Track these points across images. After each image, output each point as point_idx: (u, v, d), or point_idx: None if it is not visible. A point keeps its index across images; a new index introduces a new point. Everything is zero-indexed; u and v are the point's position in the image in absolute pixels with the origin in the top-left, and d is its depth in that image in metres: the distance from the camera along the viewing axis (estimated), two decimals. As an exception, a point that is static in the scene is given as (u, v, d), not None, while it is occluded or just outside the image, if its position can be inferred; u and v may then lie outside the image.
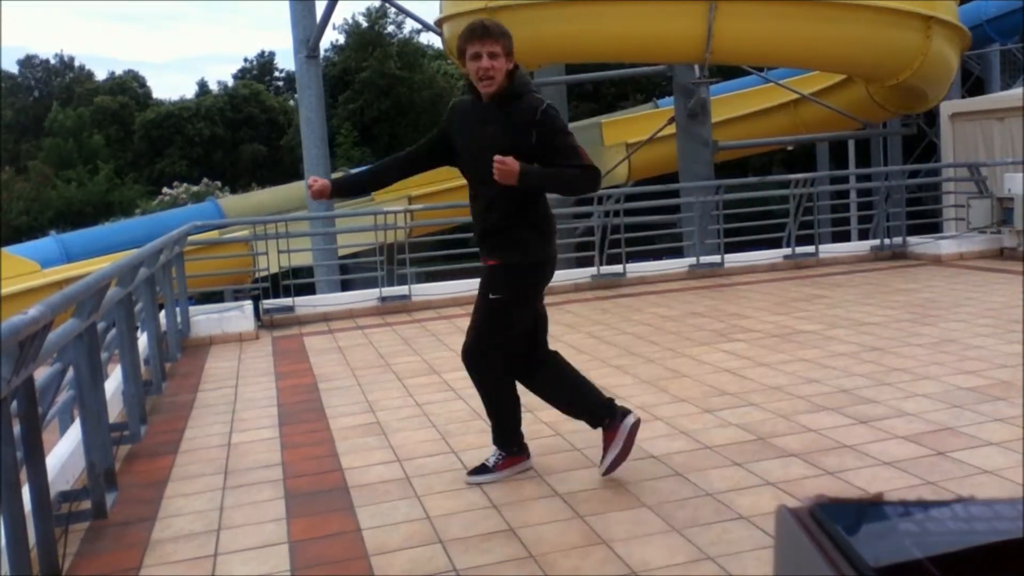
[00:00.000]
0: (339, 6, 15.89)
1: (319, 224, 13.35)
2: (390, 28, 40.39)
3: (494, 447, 4.12)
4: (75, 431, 4.30)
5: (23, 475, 3.00)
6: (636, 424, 3.93)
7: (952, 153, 13.99)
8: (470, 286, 9.58)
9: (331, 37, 42.54)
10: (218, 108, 41.97)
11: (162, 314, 7.12)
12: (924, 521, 0.88)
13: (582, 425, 4.72)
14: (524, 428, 4.23)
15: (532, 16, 13.14)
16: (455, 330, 7.91)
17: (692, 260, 10.34)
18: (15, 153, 42.03)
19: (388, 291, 9.33)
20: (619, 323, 7.71)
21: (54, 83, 49.51)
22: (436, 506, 3.73)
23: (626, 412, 3.95)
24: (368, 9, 40.73)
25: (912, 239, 10.89)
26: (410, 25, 40.11)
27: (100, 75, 50.45)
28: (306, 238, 13.17)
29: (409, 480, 4.08)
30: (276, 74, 49.97)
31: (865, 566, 0.76)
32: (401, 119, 38.13)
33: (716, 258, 10.31)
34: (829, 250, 10.86)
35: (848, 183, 15.21)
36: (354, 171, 3.94)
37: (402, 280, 9.63)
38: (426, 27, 17.99)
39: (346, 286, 14.60)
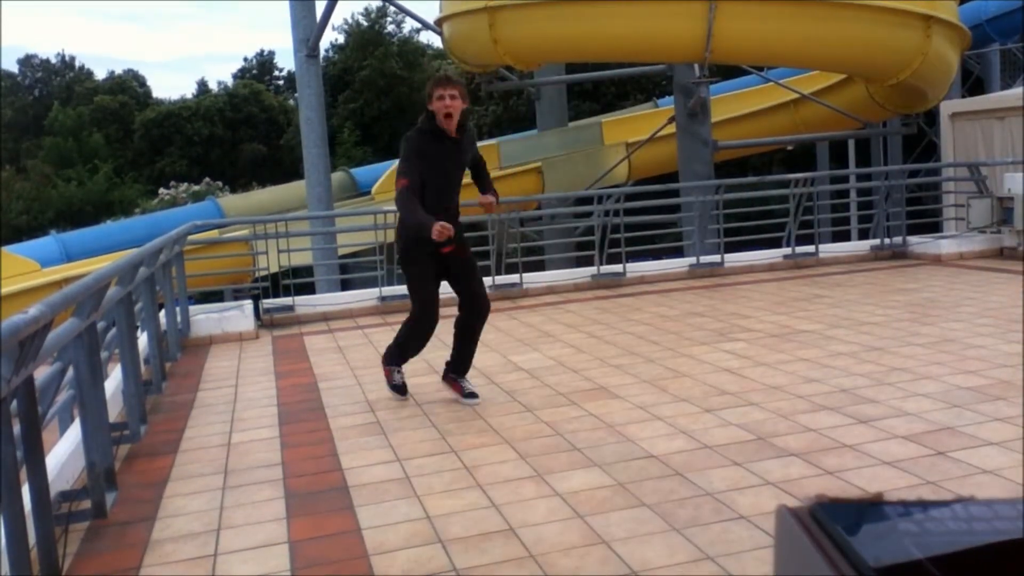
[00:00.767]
0: (339, 6, 15.90)
1: (319, 224, 13.34)
2: (390, 27, 40.42)
3: (467, 379, 5.51)
4: (75, 431, 4.30)
5: (23, 475, 3.00)
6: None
7: (952, 153, 13.99)
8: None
9: (331, 37, 42.56)
10: (218, 108, 41.96)
11: (162, 314, 7.12)
12: (924, 521, 0.88)
13: (582, 425, 4.74)
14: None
15: (532, 16, 13.15)
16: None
17: (692, 260, 10.34)
18: (15, 152, 42.03)
19: (388, 291, 9.33)
20: (619, 323, 7.71)
21: (54, 82, 49.50)
22: (436, 506, 3.73)
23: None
24: (368, 9, 40.74)
25: (912, 239, 10.89)
26: (410, 24, 40.17)
27: (100, 74, 50.48)
28: (306, 238, 13.15)
29: (409, 480, 4.08)
30: (276, 73, 49.97)
31: (865, 566, 0.76)
32: (401, 118, 38.09)
33: (716, 258, 10.31)
34: (829, 250, 10.86)
35: (848, 183, 15.22)
36: (420, 210, 5.13)
37: (401, 280, 9.62)
38: (426, 26, 17.98)
39: (346, 286, 14.59)
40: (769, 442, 4.27)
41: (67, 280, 12.96)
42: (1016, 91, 15.95)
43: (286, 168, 37.55)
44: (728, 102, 20.50)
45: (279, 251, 8.97)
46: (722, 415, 4.77)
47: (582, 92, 32.74)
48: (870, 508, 0.90)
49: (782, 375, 5.53)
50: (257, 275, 10.04)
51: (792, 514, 0.86)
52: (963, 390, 4.93)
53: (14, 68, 49.73)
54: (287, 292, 9.12)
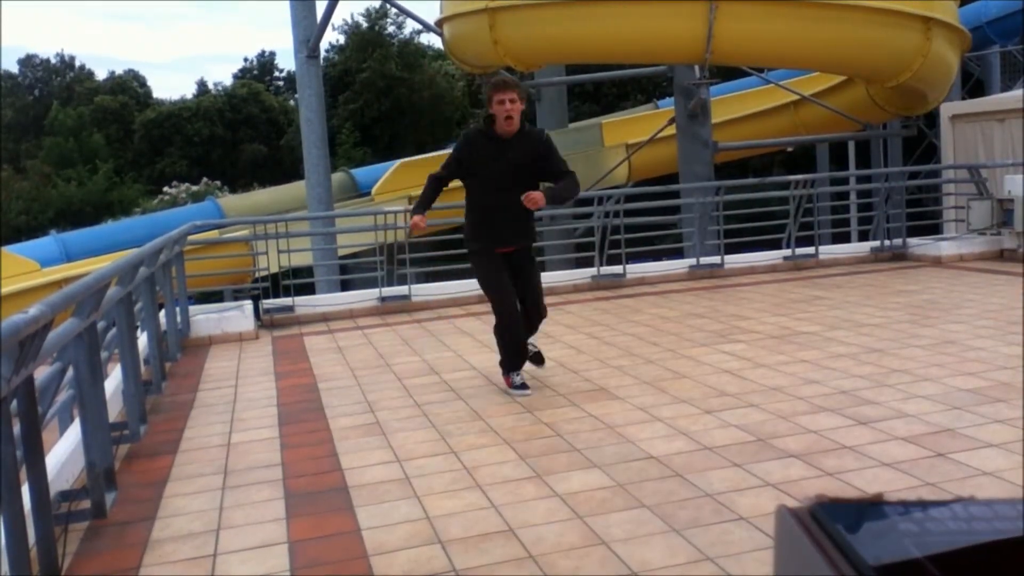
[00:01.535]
0: (339, 6, 15.89)
1: (319, 224, 13.34)
2: (390, 28, 40.36)
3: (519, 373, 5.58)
4: (75, 430, 4.30)
5: (23, 474, 3.00)
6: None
7: (952, 154, 13.99)
8: (470, 286, 9.57)
9: (331, 37, 42.54)
10: (218, 108, 41.95)
11: (162, 314, 7.12)
12: (924, 521, 0.88)
13: (582, 426, 4.74)
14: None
15: (532, 16, 13.15)
16: (455, 330, 7.92)
17: (692, 261, 10.34)
18: (15, 153, 42.02)
19: (388, 291, 9.34)
20: (619, 324, 7.71)
21: (54, 82, 49.49)
22: (436, 506, 3.73)
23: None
24: (368, 9, 40.73)
25: (912, 240, 10.89)
26: (410, 25, 40.10)
27: (100, 75, 50.46)
28: (306, 238, 13.16)
29: (409, 480, 4.08)
30: (276, 74, 49.96)
31: (865, 566, 0.76)
32: (401, 119, 38.12)
33: (716, 259, 10.31)
34: (829, 251, 10.86)
35: (848, 184, 15.21)
36: (423, 198, 5.72)
37: (402, 280, 9.63)
38: (426, 27, 17.98)
39: (346, 286, 14.59)
40: (769, 443, 4.27)
41: (67, 280, 12.96)
42: (1016, 93, 15.96)
43: (286, 168, 37.53)
44: (728, 103, 20.51)
45: (279, 251, 8.98)
46: (722, 416, 4.77)
47: (582, 93, 32.76)
48: (870, 508, 0.90)
49: (782, 376, 5.53)
50: (257, 275, 10.04)
51: (792, 514, 0.86)
52: (963, 392, 4.93)
53: (14, 68, 49.77)
54: (287, 292, 9.12)
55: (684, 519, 3.43)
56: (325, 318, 8.94)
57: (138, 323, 6.18)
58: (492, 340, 7.32)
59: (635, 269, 10.14)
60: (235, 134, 41.65)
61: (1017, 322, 6.62)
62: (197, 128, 40.89)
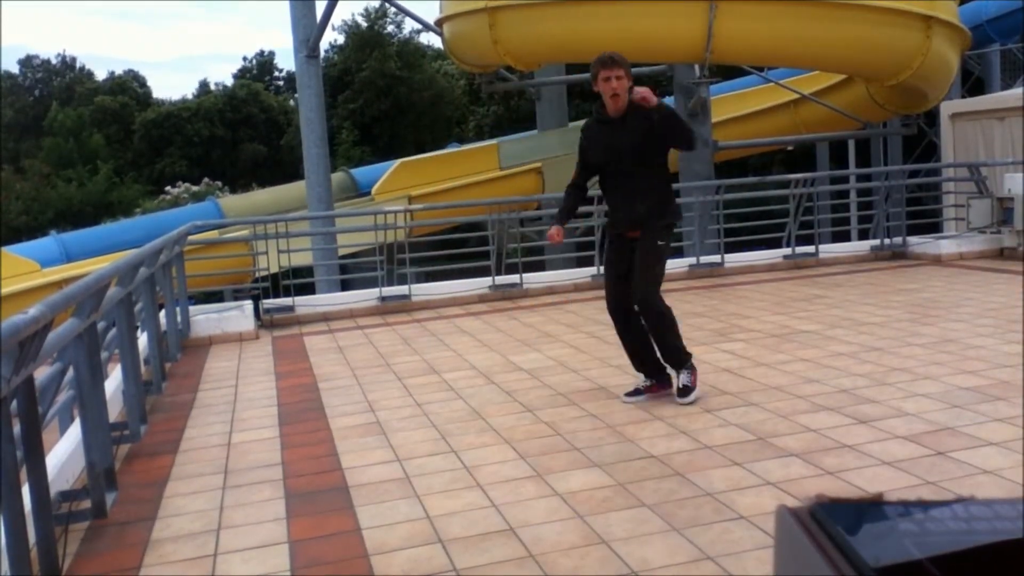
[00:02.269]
0: (339, 6, 15.90)
1: (319, 224, 13.34)
2: (390, 28, 40.36)
3: (641, 376, 5.22)
4: (75, 431, 4.30)
5: (23, 474, 3.00)
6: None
7: (952, 153, 13.99)
8: (470, 286, 9.61)
9: (331, 37, 42.53)
10: (218, 108, 41.95)
11: (162, 314, 7.12)
12: (924, 521, 0.88)
13: (582, 425, 4.74)
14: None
15: (531, 16, 13.15)
16: (455, 330, 7.92)
17: (692, 260, 10.34)
18: (15, 153, 42.03)
19: (388, 291, 9.33)
20: (619, 323, 7.70)
21: (54, 83, 49.50)
22: (436, 505, 3.73)
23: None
24: (368, 9, 40.75)
25: (912, 239, 10.89)
26: (410, 25, 40.11)
27: (100, 75, 50.48)
28: (306, 238, 13.15)
29: (409, 479, 4.08)
30: (276, 74, 49.97)
31: (865, 566, 0.76)
32: (401, 119, 38.11)
33: (716, 258, 10.30)
34: (829, 250, 10.86)
35: (848, 183, 15.20)
36: (562, 209, 5.36)
37: (402, 280, 9.63)
38: (426, 27, 17.99)
39: (346, 286, 14.59)
40: (769, 442, 4.27)
41: (67, 280, 12.95)
42: (1016, 91, 15.95)
43: (286, 168, 37.54)
44: (728, 102, 20.50)
45: (279, 251, 8.97)
46: (722, 415, 4.77)
47: (582, 92, 32.73)
48: (870, 508, 0.90)
49: (782, 375, 5.52)
50: (257, 275, 10.04)
51: (792, 514, 0.86)
52: (963, 390, 4.93)
53: (15, 68, 49.79)
54: (287, 292, 9.12)
55: (684, 518, 3.43)
56: (325, 318, 8.94)
57: (138, 323, 6.18)
58: (491, 340, 7.34)
59: (635, 268, 10.12)
60: (235, 134, 41.66)
61: (1017, 320, 6.62)
62: (197, 128, 40.90)
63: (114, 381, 5.39)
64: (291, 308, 8.95)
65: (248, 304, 8.61)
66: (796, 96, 18.23)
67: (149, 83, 52.98)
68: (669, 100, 20.71)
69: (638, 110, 4.93)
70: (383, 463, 4.35)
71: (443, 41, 15.69)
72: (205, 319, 8.18)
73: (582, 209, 12.35)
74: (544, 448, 4.39)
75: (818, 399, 4.95)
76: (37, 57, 50.66)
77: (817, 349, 6.17)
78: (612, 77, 4.96)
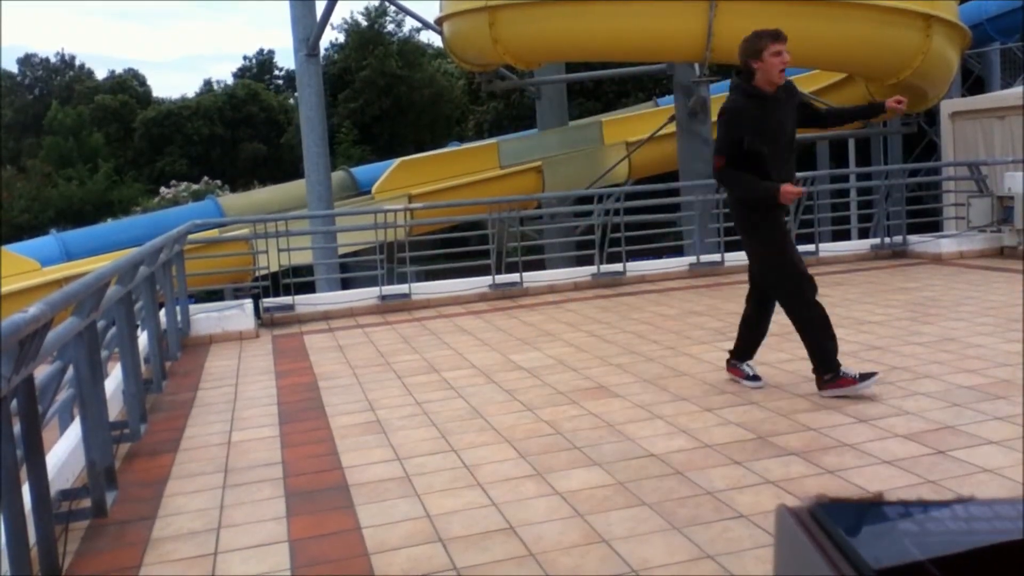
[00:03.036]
0: (339, 5, 15.91)
1: (319, 223, 13.34)
2: (390, 27, 40.32)
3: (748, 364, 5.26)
4: (75, 429, 4.30)
5: (23, 473, 3.00)
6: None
7: (952, 152, 13.98)
8: (470, 285, 9.62)
9: (331, 36, 42.51)
10: (218, 107, 41.93)
11: (162, 313, 7.12)
12: (924, 521, 0.88)
13: (582, 424, 4.74)
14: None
15: (531, 15, 13.14)
16: (455, 328, 7.92)
17: (692, 259, 10.34)
18: (15, 152, 42.02)
19: (388, 290, 9.33)
20: (619, 322, 7.71)
21: (54, 82, 49.48)
22: (436, 504, 3.73)
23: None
24: (368, 8, 40.68)
25: (912, 238, 10.88)
26: (410, 24, 40.09)
27: (100, 74, 50.50)
28: (306, 237, 13.15)
29: (409, 478, 4.08)
30: (276, 73, 49.95)
31: (865, 566, 0.76)
32: (401, 118, 38.08)
33: (716, 257, 10.30)
34: (829, 249, 10.85)
35: (848, 182, 15.21)
36: (753, 182, 4.89)
37: (402, 279, 9.63)
38: (426, 26, 17.99)
39: (346, 285, 14.59)
40: (769, 441, 4.27)
41: (67, 279, 12.96)
42: (1016, 90, 15.94)
43: (286, 167, 37.52)
44: (728, 101, 20.45)
45: (279, 250, 8.97)
46: (722, 414, 4.77)
47: (582, 91, 32.73)
48: (870, 508, 0.90)
49: (782, 374, 5.53)
50: (257, 274, 10.04)
51: (792, 514, 0.86)
52: (963, 389, 4.93)
53: (14, 68, 49.76)
54: (287, 291, 9.12)
55: (684, 517, 3.43)
56: (325, 317, 8.94)
57: (138, 322, 6.18)
58: (491, 338, 7.34)
59: (635, 267, 10.13)
60: (235, 133, 41.65)
61: (1017, 319, 6.62)
62: (197, 127, 40.88)
63: (114, 380, 5.40)
64: (291, 307, 8.95)
65: (248, 303, 8.61)
66: (796, 95, 18.18)
67: (149, 82, 53.05)
68: (669, 99, 20.74)
69: (788, 87, 4.98)
70: (383, 462, 4.35)
71: (443, 40, 15.67)
72: (205, 318, 8.18)
73: (583, 208, 12.21)
74: (544, 447, 4.39)
75: (818, 398, 4.95)
76: (36, 56, 50.66)
77: (817, 348, 6.15)
78: (783, 50, 4.84)
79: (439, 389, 5.74)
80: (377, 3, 38.64)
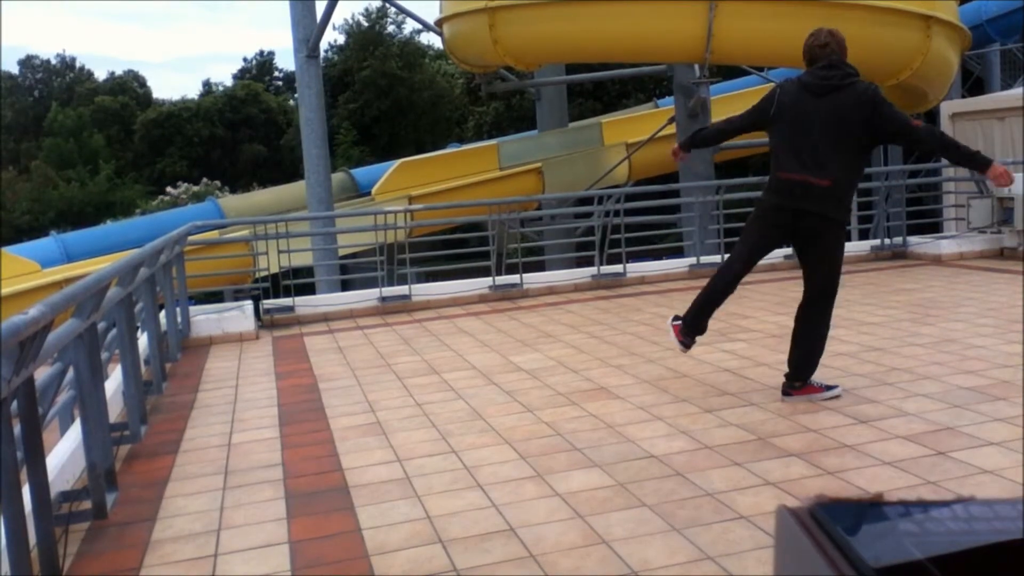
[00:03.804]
0: (339, 6, 15.91)
1: (319, 224, 13.34)
2: (390, 28, 40.37)
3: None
4: (75, 431, 4.30)
5: (23, 475, 3.00)
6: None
7: (952, 153, 13.96)
8: (470, 286, 9.61)
9: (331, 37, 42.59)
10: (218, 108, 41.96)
11: (162, 314, 7.12)
12: (924, 521, 0.88)
13: (582, 425, 4.73)
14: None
15: (531, 16, 13.15)
16: (455, 330, 7.91)
17: (692, 260, 10.34)
18: (15, 153, 42.05)
19: (388, 291, 9.33)
20: (619, 323, 7.71)
21: (54, 83, 49.51)
22: (436, 506, 3.73)
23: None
24: (368, 9, 40.75)
25: (912, 239, 10.88)
26: (410, 25, 40.11)
27: (100, 75, 50.51)
28: (306, 238, 13.16)
29: (409, 480, 4.08)
30: (276, 74, 49.97)
31: (865, 566, 0.76)
32: (401, 119, 38.11)
33: (716, 258, 10.27)
34: (829, 250, 10.83)
35: (848, 183, 15.17)
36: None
37: (402, 280, 9.63)
38: (426, 27, 17.98)
39: (346, 286, 14.59)
40: (769, 442, 4.27)
41: (67, 281, 12.95)
42: (1016, 91, 15.95)
43: (286, 168, 37.55)
44: (729, 102, 20.45)
45: (279, 251, 8.97)
46: (722, 415, 4.77)
47: (583, 92, 32.75)
48: (870, 508, 0.90)
49: (782, 376, 5.51)
50: (257, 275, 10.04)
51: (792, 514, 0.86)
52: (963, 390, 4.93)
53: (14, 69, 49.80)
54: (287, 292, 9.12)
55: (684, 518, 3.43)
56: (325, 318, 8.94)
57: (138, 324, 6.18)
58: (491, 340, 7.34)
59: (635, 268, 10.14)
60: (235, 134, 41.67)
61: (1017, 320, 6.62)
62: (197, 128, 40.91)
63: (114, 381, 5.40)
64: (291, 308, 8.95)
65: (248, 304, 8.61)
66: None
67: (149, 83, 53.09)
68: (669, 100, 20.75)
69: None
70: (383, 463, 4.35)
71: (443, 41, 15.68)
72: (205, 319, 8.18)
73: (583, 209, 12.19)
74: (544, 448, 4.39)
75: (818, 399, 4.94)
76: (37, 57, 50.70)
77: (817, 349, 6.15)
78: None
79: (439, 390, 5.74)
80: (377, 4, 38.70)
